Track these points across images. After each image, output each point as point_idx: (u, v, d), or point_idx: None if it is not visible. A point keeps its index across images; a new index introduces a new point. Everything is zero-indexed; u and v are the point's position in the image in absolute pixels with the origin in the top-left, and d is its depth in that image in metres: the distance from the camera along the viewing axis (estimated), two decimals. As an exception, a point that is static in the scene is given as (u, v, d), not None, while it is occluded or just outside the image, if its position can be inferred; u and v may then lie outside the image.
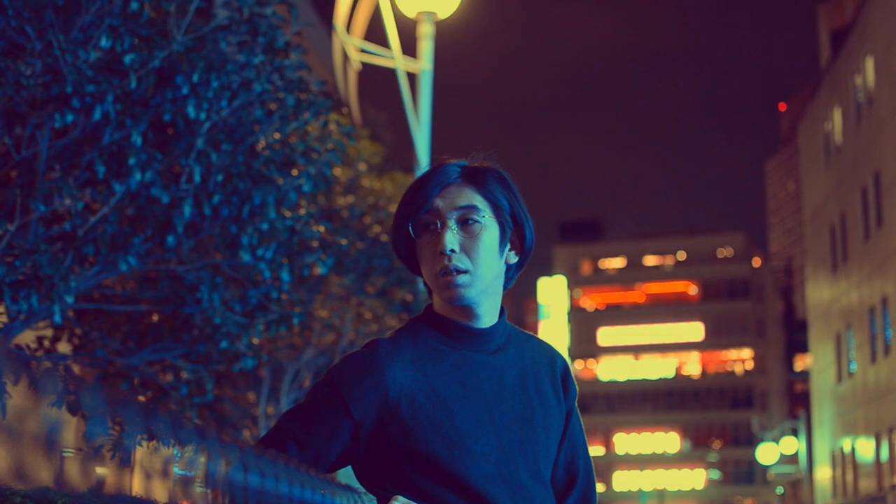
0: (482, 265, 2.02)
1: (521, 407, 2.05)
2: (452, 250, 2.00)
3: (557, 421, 2.12)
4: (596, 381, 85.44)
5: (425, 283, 2.11)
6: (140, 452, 1.45)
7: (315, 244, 8.32)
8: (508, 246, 2.10)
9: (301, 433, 1.99)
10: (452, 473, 1.94)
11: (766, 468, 59.45)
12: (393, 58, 14.00)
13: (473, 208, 2.03)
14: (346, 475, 2.15)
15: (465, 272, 2.00)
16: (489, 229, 2.04)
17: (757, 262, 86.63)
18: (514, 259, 2.12)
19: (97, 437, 1.22)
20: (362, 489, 1.96)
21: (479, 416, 1.99)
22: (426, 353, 2.03)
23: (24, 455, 1.17)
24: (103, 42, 6.30)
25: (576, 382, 2.21)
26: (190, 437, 1.31)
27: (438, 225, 2.02)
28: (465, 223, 2.03)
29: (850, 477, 32.32)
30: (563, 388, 2.16)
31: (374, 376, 1.98)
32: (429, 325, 2.08)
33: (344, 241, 12.06)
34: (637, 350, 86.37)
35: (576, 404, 2.20)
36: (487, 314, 2.08)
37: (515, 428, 2.03)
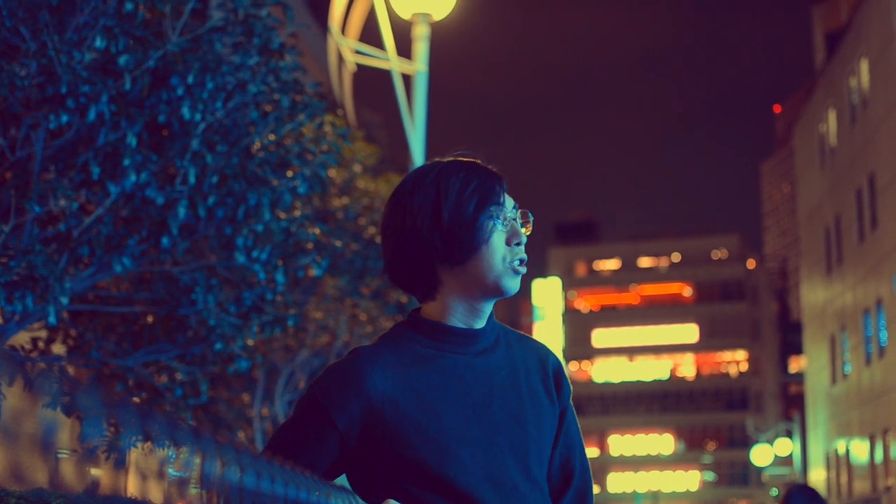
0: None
1: (511, 407, 2.05)
2: (524, 242, 2.10)
3: (550, 421, 2.11)
4: (590, 382, 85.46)
5: (430, 277, 2.09)
6: (135, 454, 1.44)
7: (310, 246, 8.31)
8: None
9: (290, 448, 2.00)
10: (441, 478, 1.94)
11: (760, 470, 59.52)
12: (388, 59, 13.99)
13: (518, 210, 2.13)
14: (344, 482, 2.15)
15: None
16: None
17: (751, 263, 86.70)
18: None
19: (93, 439, 1.22)
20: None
21: (467, 419, 1.99)
22: (409, 358, 2.03)
23: (19, 456, 1.17)
24: (98, 43, 6.30)
25: (570, 382, 2.21)
26: (186, 438, 1.31)
27: (510, 218, 2.09)
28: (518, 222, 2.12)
29: (844, 479, 32.35)
30: (555, 388, 2.15)
31: (355, 385, 1.99)
32: (412, 329, 2.08)
33: (339, 243, 12.06)
34: (631, 352, 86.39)
35: (570, 403, 2.19)
36: (488, 314, 2.11)
37: (505, 429, 2.02)
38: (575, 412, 2.21)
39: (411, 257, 2.07)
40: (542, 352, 2.19)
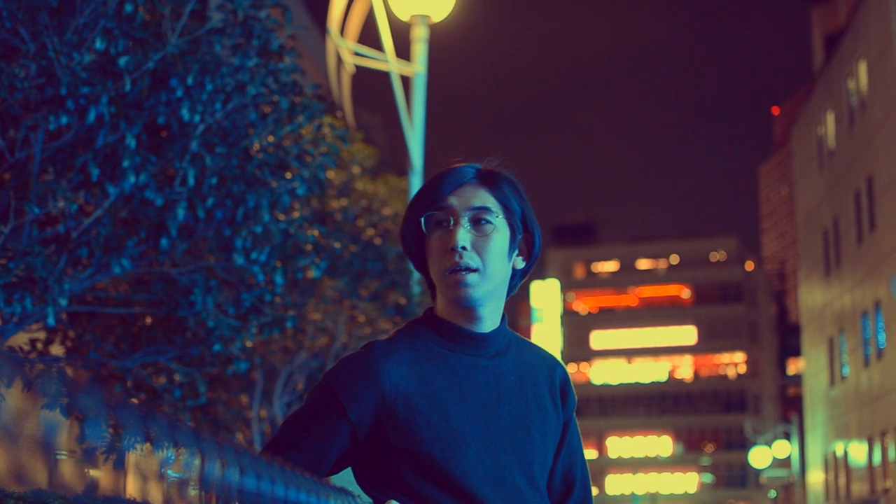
0: (491, 265, 2.03)
1: (517, 412, 2.06)
2: (464, 247, 2.01)
3: (554, 429, 2.12)
4: (589, 384, 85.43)
5: (429, 285, 2.12)
6: (135, 455, 1.45)
7: (309, 247, 8.30)
8: (517, 251, 2.11)
9: (300, 437, 2.01)
10: (447, 475, 1.95)
11: (758, 472, 59.48)
12: (387, 61, 14.00)
13: (487, 209, 2.05)
14: (343, 478, 2.15)
15: (475, 271, 2.01)
16: (500, 231, 2.05)
17: (750, 265, 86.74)
18: (521, 265, 2.13)
19: (94, 440, 1.22)
20: (358, 491, 1.96)
21: (475, 420, 2.00)
22: (423, 356, 2.03)
23: (19, 457, 1.17)
24: (98, 44, 6.30)
25: (574, 392, 2.21)
26: (186, 439, 1.31)
27: (451, 222, 2.03)
28: (478, 223, 2.04)
29: (842, 481, 32.36)
30: (561, 398, 2.16)
31: (370, 378, 1.99)
32: (427, 327, 2.09)
33: (337, 245, 12.06)
34: (630, 353, 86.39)
35: (574, 414, 2.20)
36: (489, 318, 2.08)
37: (511, 433, 2.03)
38: (577, 422, 2.22)
39: (415, 266, 2.15)
40: (551, 362, 2.20)
